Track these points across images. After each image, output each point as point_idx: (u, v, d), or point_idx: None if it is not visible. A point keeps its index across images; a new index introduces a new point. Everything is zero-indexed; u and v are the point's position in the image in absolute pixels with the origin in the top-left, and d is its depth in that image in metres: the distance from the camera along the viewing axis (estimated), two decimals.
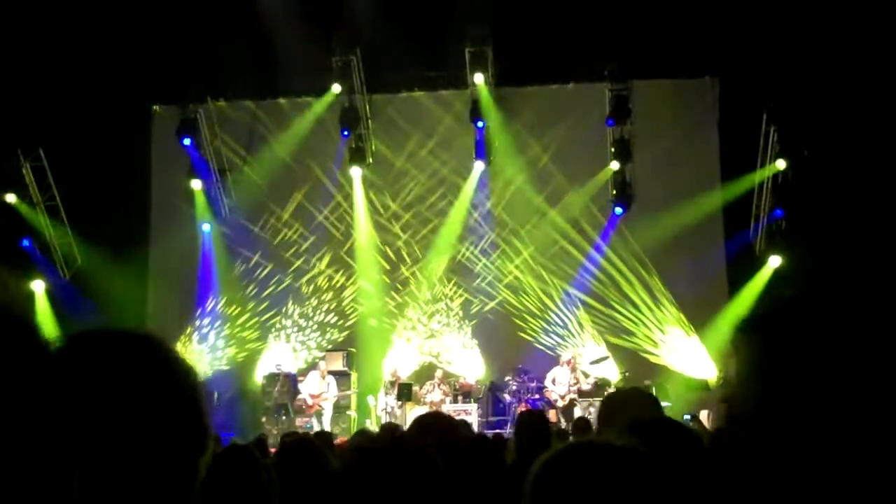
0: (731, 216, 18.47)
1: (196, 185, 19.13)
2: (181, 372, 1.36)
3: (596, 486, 1.66)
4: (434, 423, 4.25)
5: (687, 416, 14.45)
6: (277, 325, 19.39)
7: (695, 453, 3.27)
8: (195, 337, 19.22)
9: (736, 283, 18.19)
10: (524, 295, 18.92)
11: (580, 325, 18.73)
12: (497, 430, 14.76)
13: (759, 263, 18.11)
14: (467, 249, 19.29)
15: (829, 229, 16.40)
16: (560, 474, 1.70)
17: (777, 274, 17.88)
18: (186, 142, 18.66)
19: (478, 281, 19.17)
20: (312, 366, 18.12)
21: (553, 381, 16.80)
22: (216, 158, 19.37)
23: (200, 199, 19.30)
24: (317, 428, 16.05)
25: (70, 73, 17.13)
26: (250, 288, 19.42)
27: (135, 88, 18.21)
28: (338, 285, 19.48)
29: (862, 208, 15.87)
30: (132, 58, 17.46)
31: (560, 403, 16.45)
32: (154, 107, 19.67)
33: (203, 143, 19.13)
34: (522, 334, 18.72)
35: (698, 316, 18.22)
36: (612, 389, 16.76)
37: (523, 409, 16.44)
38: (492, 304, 19.02)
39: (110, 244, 17.93)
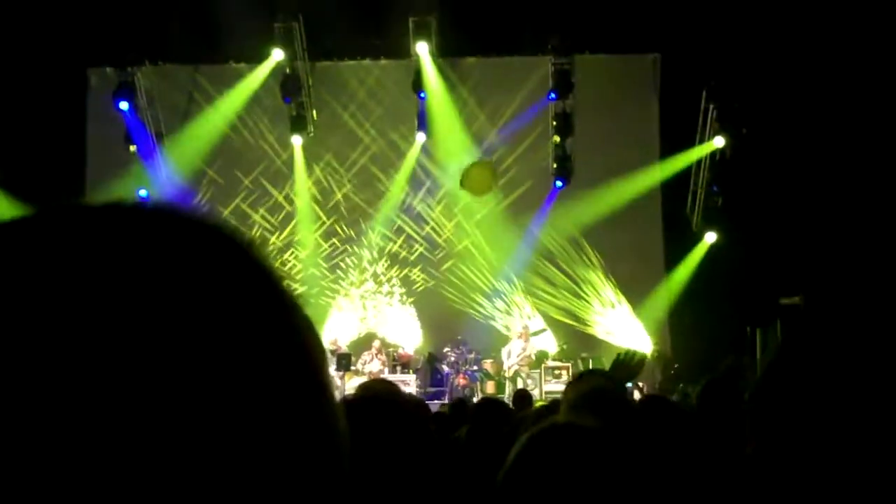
0: (669, 192, 18.70)
1: (133, 149, 18.80)
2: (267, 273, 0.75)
3: (566, 465, 1.70)
4: (379, 389, 4.26)
5: (629, 384, 14.68)
6: None
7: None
8: None
9: (672, 258, 18.46)
10: (463, 266, 18.97)
11: (518, 297, 18.85)
12: (434, 401, 14.84)
13: (695, 239, 18.39)
14: (407, 220, 19.27)
15: (765, 207, 16.70)
16: (536, 455, 1.73)
17: (712, 250, 18.19)
18: (123, 106, 18.30)
19: (417, 251, 19.18)
20: None
21: (508, 354, 16.99)
22: (154, 123, 19.05)
23: (137, 165, 18.99)
24: None
25: (2, 34, 16.68)
26: None
27: (70, 51, 17.78)
28: (277, 253, 19.33)
29: (799, 187, 16.16)
30: (67, 19, 17.04)
31: (506, 375, 16.64)
32: (90, 70, 19.23)
33: (140, 108, 18.80)
34: (461, 306, 18.79)
35: (635, 290, 18.45)
36: (549, 362, 17.00)
37: (461, 380, 16.58)
38: (431, 275, 19.04)
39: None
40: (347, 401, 2.47)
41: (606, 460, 1.73)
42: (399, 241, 19.27)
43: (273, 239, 19.22)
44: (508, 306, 18.86)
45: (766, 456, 1.42)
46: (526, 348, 17.02)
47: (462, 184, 17.88)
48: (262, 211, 19.31)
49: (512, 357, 16.92)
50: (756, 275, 16.68)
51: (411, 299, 19.07)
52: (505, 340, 17.69)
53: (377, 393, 2.50)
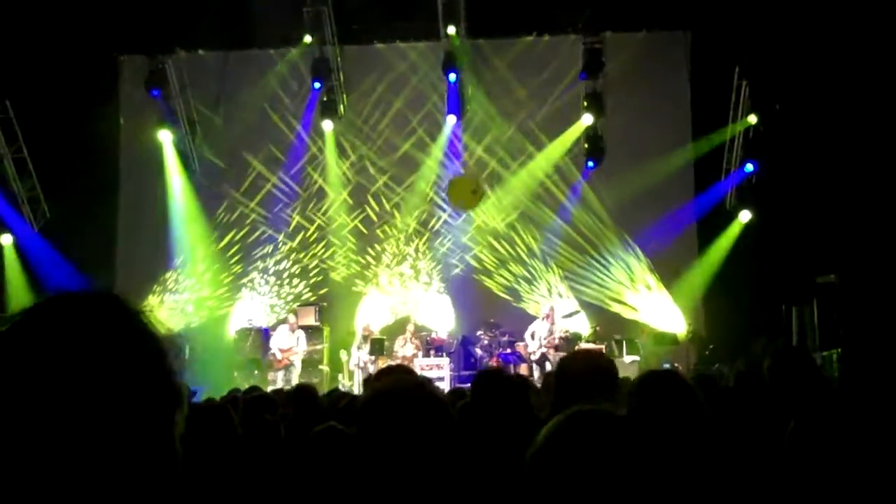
0: (702, 170, 18.54)
1: (165, 136, 18.94)
2: (148, 330, 1.39)
3: (588, 454, 1.71)
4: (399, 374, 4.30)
5: (666, 365, 14.74)
6: (249, 280, 19.34)
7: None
8: (166, 290, 19.14)
9: (706, 237, 18.33)
10: (496, 249, 18.96)
11: (551, 279, 18.81)
12: (468, 385, 14.86)
13: (729, 218, 18.25)
14: (441, 202, 19.26)
15: (799, 184, 16.52)
16: (557, 445, 1.75)
17: (746, 228, 18.05)
18: (155, 93, 18.46)
19: (450, 235, 19.18)
20: (283, 320, 18.13)
21: (532, 336, 16.90)
22: (186, 109, 19.17)
23: (170, 151, 19.12)
24: (280, 383, 16.10)
25: (36, 23, 16.82)
26: (222, 241, 19.32)
27: (102, 38, 17.92)
28: (310, 239, 19.42)
29: (834, 163, 15.97)
30: (99, 7, 17.15)
31: (533, 357, 16.58)
32: (121, 58, 19.37)
33: (172, 94, 18.92)
34: (494, 288, 18.78)
35: (668, 270, 18.35)
36: (582, 343, 16.94)
37: (495, 363, 16.59)
38: (464, 258, 19.03)
39: (79, 196, 17.72)
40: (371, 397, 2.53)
41: (634, 448, 1.74)
42: (434, 224, 19.26)
43: (312, 223, 19.32)
44: (536, 285, 18.81)
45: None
46: (553, 331, 16.89)
47: (449, 197, 17.90)
48: (303, 194, 19.37)
49: (536, 339, 16.81)
50: (791, 253, 16.54)
51: (444, 283, 19.07)
52: None
53: (399, 386, 2.54)
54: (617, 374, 4.01)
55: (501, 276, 18.87)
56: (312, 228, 19.40)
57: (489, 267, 18.90)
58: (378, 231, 19.33)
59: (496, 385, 4.49)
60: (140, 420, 1.31)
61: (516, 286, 18.82)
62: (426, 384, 2.57)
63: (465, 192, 17.36)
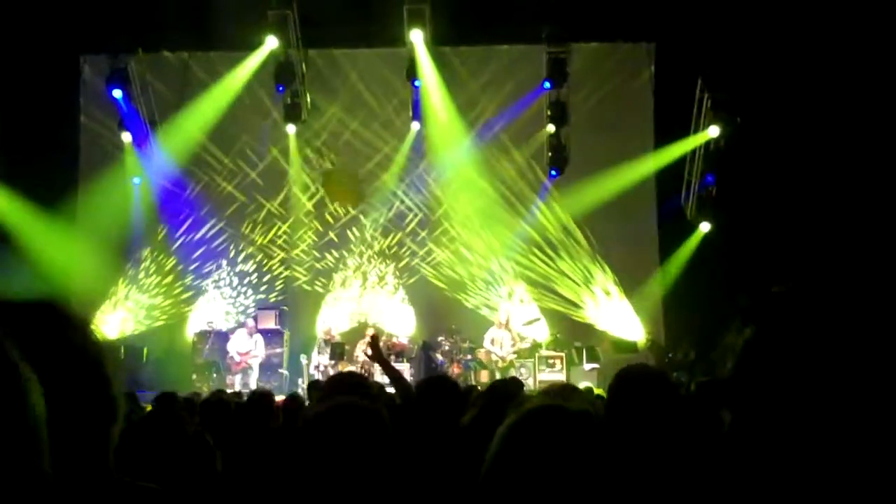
0: (663, 181, 18.68)
1: (126, 137, 18.75)
2: (86, 341, 1.36)
3: (552, 448, 1.68)
4: (346, 383, 4.29)
5: None
6: (209, 282, 19.20)
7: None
8: (125, 293, 18.95)
9: (666, 247, 18.46)
10: (458, 255, 18.97)
11: (513, 286, 18.85)
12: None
13: (689, 229, 18.39)
14: (402, 208, 19.25)
15: (758, 196, 16.70)
16: (522, 436, 1.72)
17: (706, 239, 18.21)
18: (117, 93, 18.26)
19: (412, 240, 19.17)
20: (242, 323, 18.02)
21: (492, 342, 16.94)
22: (147, 111, 18.99)
23: (131, 152, 18.93)
24: (238, 386, 15.98)
25: None
26: (182, 243, 19.17)
27: (63, 38, 17.72)
28: (272, 242, 19.32)
29: (793, 176, 16.16)
30: (60, 6, 16.98)
31: (501, 364, 16.64)
32: (83, 58, 19.15)
33: (134, 94, 18.73)
34: (455, 294, 18.79)
35: (629, 279, 18.48)
36: (543, 351, 17.02)
37: (455, 369, 16.60)
38: (426, 263, 19.03)
39: (38, 198, 17.52)
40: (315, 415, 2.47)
41: (593, 443, 1.71)
42: (396, 231, 19.24)
43: (274, 226, 19.22)
44: (497, 291, 18.85)
45: (743, 428, 1.47)
46: (515, 339, 16.98)
47: (325, 188, 17.84)
48: (266, 196, 19.27)
49: (497, 346, 16.87)
50: (749, 264, 16.69)
51: (406, 288, 19.06)
52: None
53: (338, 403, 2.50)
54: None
55: (463, 281, 18.88)
56: (276, 231, 19.31)
57: (451, 273, 18.90)
58: (341, 234, 19.26)
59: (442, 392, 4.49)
60: (69, 432, 1.25)
61: (478, 292, 18.84)
62: (360, 403, 2.50)
63: (343, 189, 17.27)
